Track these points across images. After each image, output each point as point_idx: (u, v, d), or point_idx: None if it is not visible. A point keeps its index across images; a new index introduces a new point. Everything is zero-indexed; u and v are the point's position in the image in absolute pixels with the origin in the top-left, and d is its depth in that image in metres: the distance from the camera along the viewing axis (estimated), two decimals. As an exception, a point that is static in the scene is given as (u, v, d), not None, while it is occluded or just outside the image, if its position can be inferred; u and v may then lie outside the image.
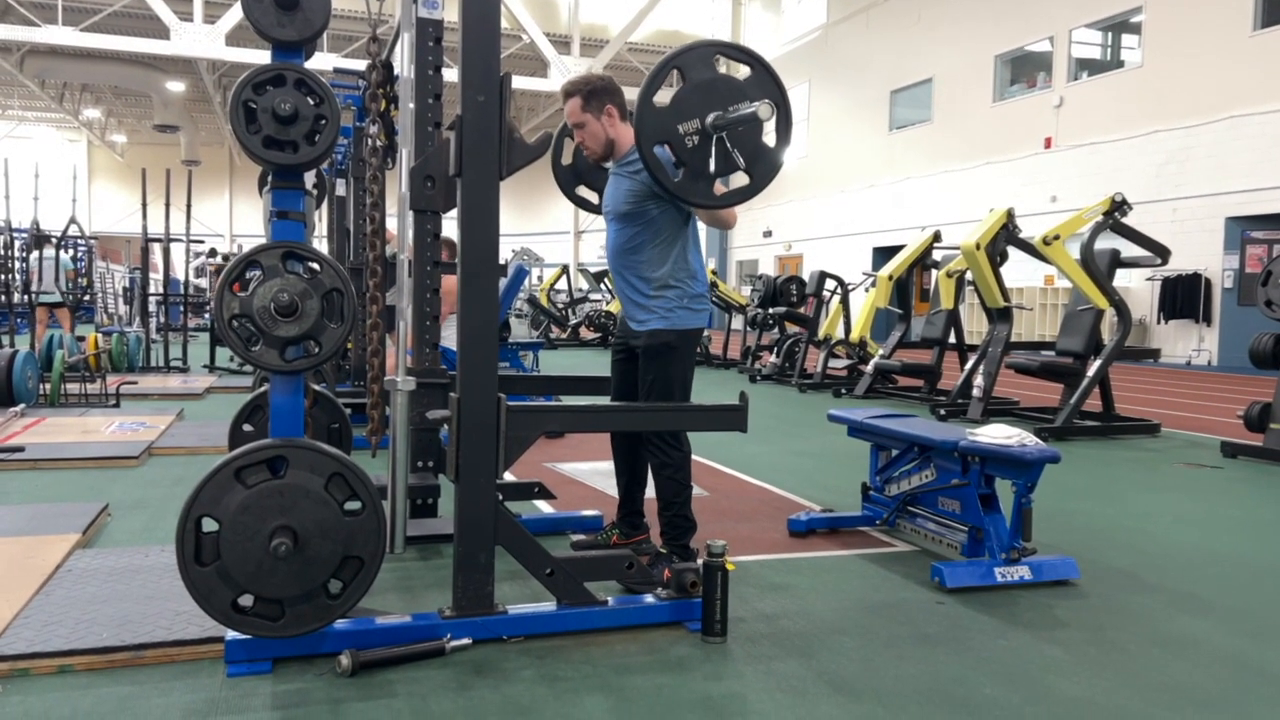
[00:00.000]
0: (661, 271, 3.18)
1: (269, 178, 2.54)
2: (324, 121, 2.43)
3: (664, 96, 2.68)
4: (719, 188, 2.86)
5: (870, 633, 2.78)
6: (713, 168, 2.70)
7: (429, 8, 3.51)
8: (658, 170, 2.69)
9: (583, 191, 3.79)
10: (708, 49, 2.71)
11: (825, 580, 3.31)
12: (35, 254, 11.41)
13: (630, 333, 3.31)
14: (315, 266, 2.45)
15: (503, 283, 5.27)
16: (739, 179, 2.82)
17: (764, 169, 2.77)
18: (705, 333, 3.24)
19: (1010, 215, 7.74)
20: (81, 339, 9.59)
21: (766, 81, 2.75)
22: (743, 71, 2.80)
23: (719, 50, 2.76)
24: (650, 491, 3.34)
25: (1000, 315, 7.86)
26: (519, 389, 3.81)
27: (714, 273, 15.46)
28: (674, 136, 2.66)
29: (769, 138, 2.73)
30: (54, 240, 10.98)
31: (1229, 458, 6.05)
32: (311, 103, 2.41)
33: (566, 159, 3.71)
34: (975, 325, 16.21)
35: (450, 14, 3.15)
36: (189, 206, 11.19)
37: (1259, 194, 13.84)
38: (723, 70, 2.76)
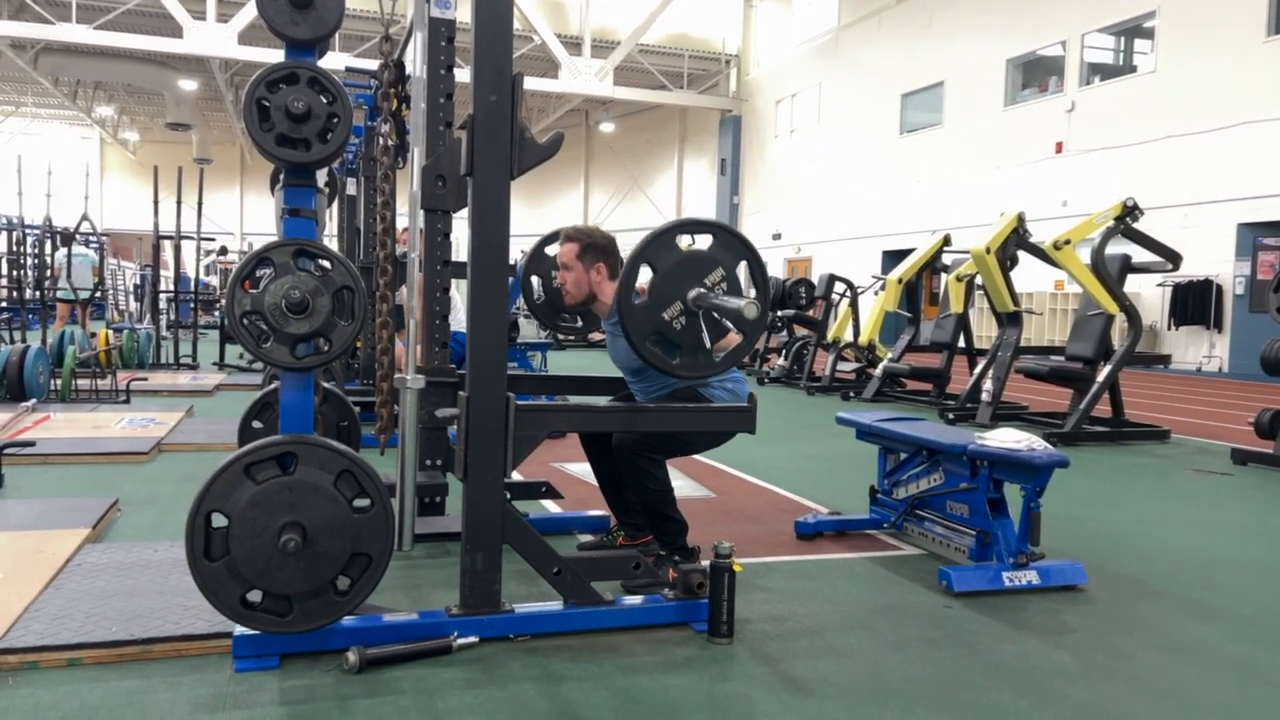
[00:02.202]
0: (700, 391, 3.24)
1: (281, 175, 2.55)
2: (336, 120, 2.44)
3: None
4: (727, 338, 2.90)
5: (877, 636, 2.77)
6: (706, 342, 2.75)
7: (441, 7, 3.53)
8: (659, 363, 2.75)
9: (565, 320, 3.93)
10: (668, 233, 2.76)
11: (832, 583, 3.30)
12: (62, 251, 11.49)
13: None
14: (326, 264, 2.46)
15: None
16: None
17: (755, 323, 2.79)
18: None
19: (1021, 219, 7.72)
20: (93, 335, 9.63)
21: (731, 243, 2.80)
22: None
23: (679, 230, 2.82)
24: None
25: (1010, 320, 7.84)
26: (527, 389, 3.82)
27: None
28: (662, 325, 2.71)
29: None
30: (78, 238, 11.05)
31: (1239, 464, 6.02)
32: (324, 101, 2.42)
33: (538, 295, 3.86)
34: (985, 329, 16.14)
35: (463, 14, 3.17)
36: (200, 204, 11.24)
37: (1271, 200, 13.77)
38: (685, 243, 2.83)
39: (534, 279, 3.86)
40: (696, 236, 2.88)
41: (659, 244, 2.73)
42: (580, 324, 3.93)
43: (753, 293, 2.69)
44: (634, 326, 2.69)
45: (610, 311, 3.31)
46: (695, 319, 2.73)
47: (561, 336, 18.54)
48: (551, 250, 3.74)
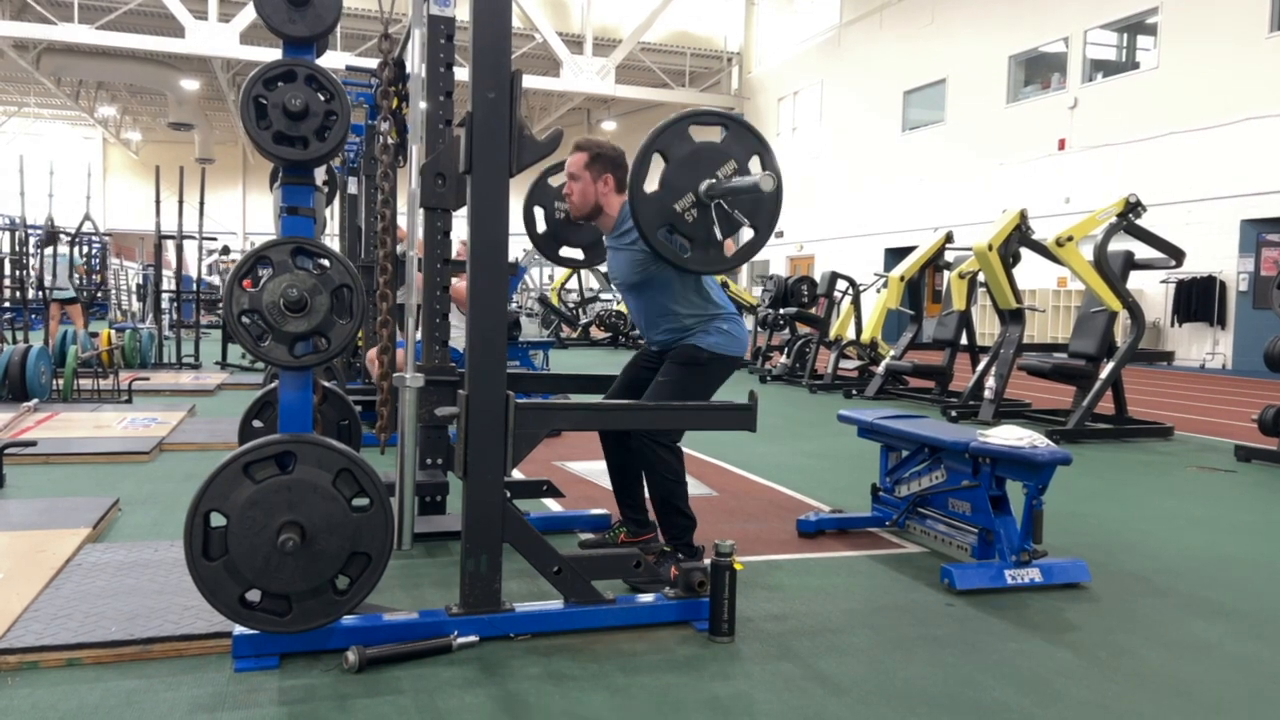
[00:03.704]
0: (690, 313, 3.23)
1: (279, 173, 2.54)
2: (334, 117, 2.43)
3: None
4: (729, 245, 2.88)
5: (879, 634, 2.76)
6: (718, 234, 2.74)
7: (440, 5, 3.52)
8: (669, 254, 2.74)
9: (566, 251, 3.89)
10: (681, 123, 2.76)
11: (834, 581, 3.29)
12: (49, 250, 11.48)
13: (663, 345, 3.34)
14: (325, 262, 2.45)
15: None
16: (744, 233, 2.87)
17: (767, 217, 2.80)
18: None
19: (1023, 216, 7.70)
20: (95, 335, 9.64)
21: (744, 135, 2.80)
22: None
23: (691, 121, 2.80)
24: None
25: (1012, 317, 7.82)
26: (528, 387, 3.81)
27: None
28: (673, 217, 2.70)
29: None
30: (65, 236, 11.04)
31: (1243, 461, 6.00)
32: (322, 99, 2.41)
33: (541, 227, 3.81)
34: (987, 327, 16.13)
35: (462, 12, 3.16)
36: (202, 204, 11.24)
37: (1275, 196, 13.73)
38: (699, 137, 2.81)
39: (537, 210, 3.79)
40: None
41: (671, 133, 2.71)
42: (583, 256, 3.86)
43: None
44: (645, 217, 2.67)
45: (615, 225, 3.28)
46: (707, 211, 2.71)
47: (563, 333, 18.57)
48: (555, 181, 3.70)
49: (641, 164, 2.70)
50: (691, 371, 3.20)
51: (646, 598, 2.80)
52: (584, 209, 3.30)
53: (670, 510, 3.20)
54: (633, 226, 2.81)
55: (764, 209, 2.80)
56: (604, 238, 3.48)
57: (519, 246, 7.55)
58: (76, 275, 11.38)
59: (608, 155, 3.26)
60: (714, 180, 2.69)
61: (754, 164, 2.79)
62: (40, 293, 11.24)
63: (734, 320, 3.30)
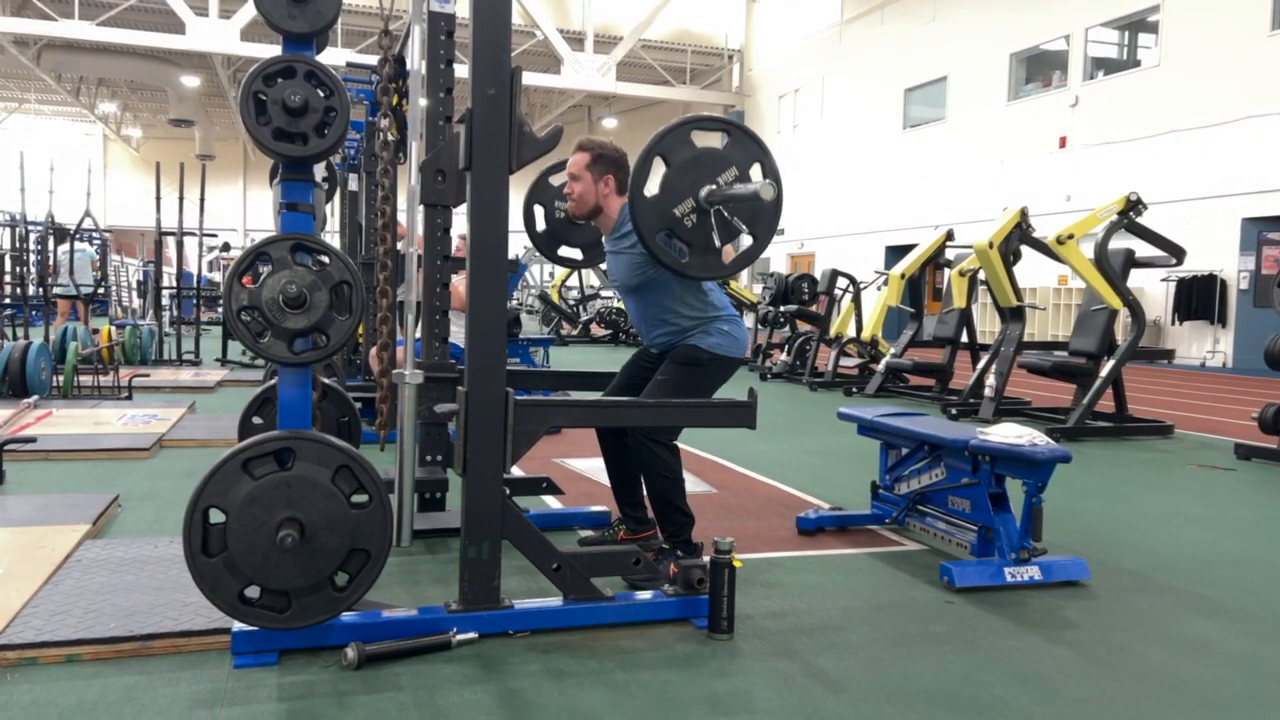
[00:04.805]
0: (690, 315, 3.23)
1: (279, 169, 2.54)
2: (334, 114, 2.43)
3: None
4: (728, 251, 2.88)
5: (878, 631, 2.76)
6: (717, 241, 2.73)
7: (441, 2, 3.51)
8: (668, 259, 2.73)
9: (564, 250, 3.89)
10: (683, 127, 2.75)
11: (833, 578, 3.29)
12: (63, 247, 11.49)
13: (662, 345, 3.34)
14: (324, 259, 2.45)
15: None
16: (743, 239, 2.87)
17: (766, 224, 2.80)
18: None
19: (1024, 214, 7.69)
20: (95, 331, 9.64)
21: (745, 142, 2.79)
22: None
23: (693, 125, 2.80)
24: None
25: (1013, 315, 7.81)
26: (528, 384, 3.81)
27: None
28: (672, 222, 2.69)
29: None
30: (79, 234, 11.06)
31: (1242, 460, 6.00)
32: (321, 95, 2.41)
33: (540, 225, 3.81)
34: (988, 324, 16.14)
35: (462, 8, 3.15)
36: (202, 200, 11.24)
37: (1276, 195, 13.72)
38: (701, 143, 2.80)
39: (537, 208, 3.79)
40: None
41: (673, 138, 2.71)
42: (582, 256, 3.87)
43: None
44: (645, 221, 2.67)
45: (615, 226, 3.28)
46: (706, 217, 2.71)
47: (564, 330, 18.57)
48: (556, 180, 3.69)
49: (643, 167, 2.70)
50: (692, 371, 3.20)
51: (646, 595, 2.80)
52: (584, 209, 3.29)
53: (668, 508, 3.20)
54: (632, 229, 2.81)
55: (763, 217, 2.79)
56: (603, 239, 3.47)
57: (519, 243, 7.54)
58: (91, 271, 11.42)
59: (610, 156, 3.26)
60: (714, 186, 2.69)
61: (755, 170, 2.78)
62: (41, 289, 11.24)
63: (734, 321, 3.29)
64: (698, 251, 2.75)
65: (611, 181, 3.26)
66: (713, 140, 2.83)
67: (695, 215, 2.71)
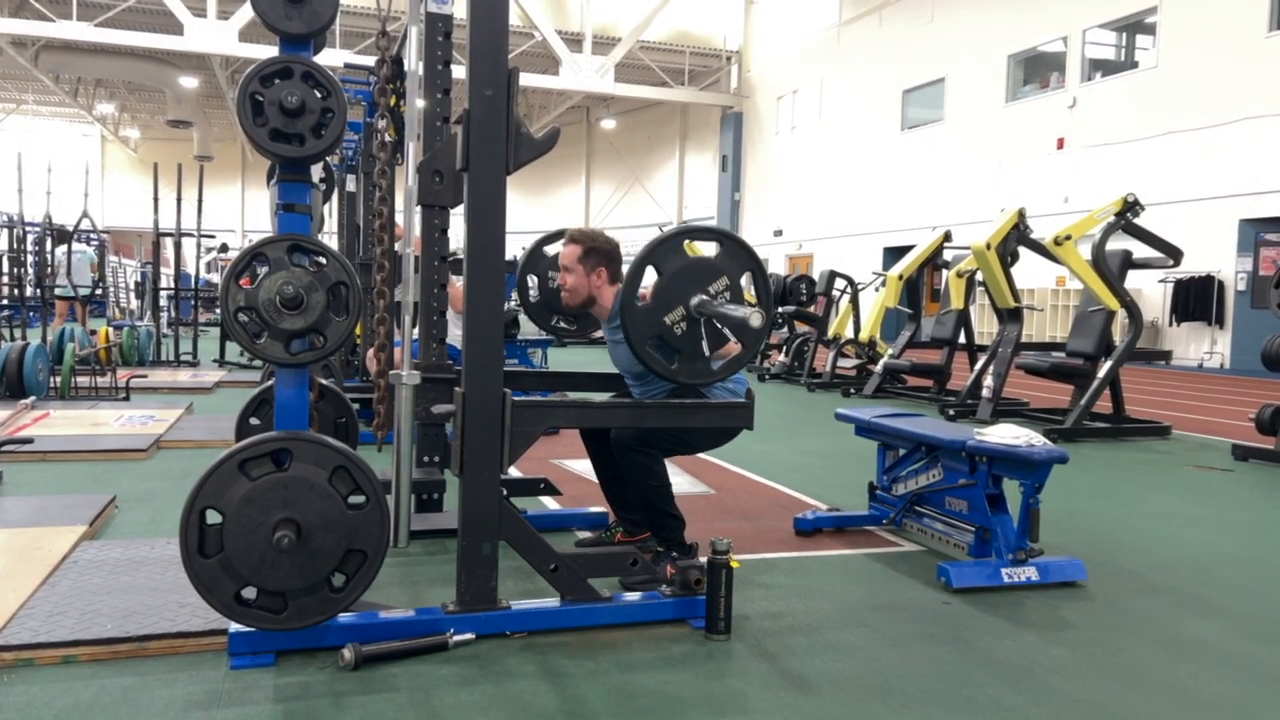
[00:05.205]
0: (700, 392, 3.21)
1: (276, 170, 2.54)
2: (331, 114, 2.42)
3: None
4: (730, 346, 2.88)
5: (875, 632, 2.76)
6: (706, 349, 2.74)
7: (438, 2, 3.51)
8: (658, 367, 2.74)
9: (559, 322, 3.92)
10: (675, 239, 2.76)
11: (831, 579, 3.29)
12: (61, 248, 11.47)
13: None
14: (321, 259, 2.45)
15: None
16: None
17: (755, 334, 2.78)
18: None
19: (1022, 215, 7.70)
20: (93, 332, 9.63)
21: (738, 252, 2.80)
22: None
23: (686, 235, 2.82)
24: None
25: (1010, 316, 7.82)
26: (525, 385, 3.81)
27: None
28: (662, 329, 2.70)
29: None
30: (77, 235, 11.05)
31: (1240, 460, 6.01)
32: (319, 95, 2.41)
33: (534, 295, 3.83)
34: (985, 326, 16.14)
35: (459, 9, 3.15)
36: (200, 201, 11.23)
37: (1273, 196, 13.74)
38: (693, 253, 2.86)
39: (530, 278, 3.84)
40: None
41: (665, 248, 2.72)
42: (575, 326, 3.91)
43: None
44: (635, 329, 2.68)
45: (611, 315, 3.30)
46: (696, 325, 2.73)
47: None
48: (551, 249, 3.72)
49: (635, 277, 2.70)
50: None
51: (643, 596, 2.80)
52: (577, 300, 3.32)
53: (657, 513, 3.21)
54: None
55: (751, 325, 2.80)
56: (602, 326, 3.49)
57: (517, 244, 7.54)
58: (90, 273, 11.41)
59: (601, 249, 3.28)
60: (705, 297, 2.69)
61: (745, 280, 2.78)
62: (39, 290, 11.23)
63: (738, 382, 3.28)
64: (686, 358, 2.75)
65: (604, 274, 3.28)
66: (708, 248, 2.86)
67: (685, 323, 2.72)
